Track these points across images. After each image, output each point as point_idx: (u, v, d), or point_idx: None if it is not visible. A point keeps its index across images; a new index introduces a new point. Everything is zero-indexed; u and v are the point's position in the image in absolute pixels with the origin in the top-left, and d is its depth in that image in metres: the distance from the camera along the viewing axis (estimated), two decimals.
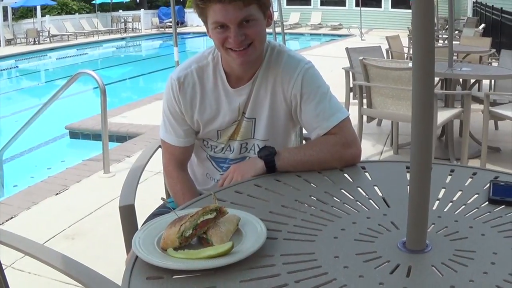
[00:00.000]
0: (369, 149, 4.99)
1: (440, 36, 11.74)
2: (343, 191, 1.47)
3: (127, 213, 1.77)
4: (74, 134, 6.60)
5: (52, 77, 15.16)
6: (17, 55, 18.95)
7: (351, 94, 5.68)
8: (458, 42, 8.29)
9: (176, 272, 1.07)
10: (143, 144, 5.24)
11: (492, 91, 5.55)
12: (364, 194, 1.45)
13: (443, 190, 1.44)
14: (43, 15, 25.47)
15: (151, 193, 2.20)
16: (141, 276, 1.07)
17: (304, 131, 1.94)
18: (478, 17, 16.84)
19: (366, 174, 1.61)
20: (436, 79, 5.32)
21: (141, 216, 1.77)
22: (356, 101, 4.78)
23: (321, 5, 28.35)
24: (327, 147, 1.63)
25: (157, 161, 1.87)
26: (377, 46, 6.35)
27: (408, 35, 10.61)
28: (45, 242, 3.18)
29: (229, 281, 1.04)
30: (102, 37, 25.11)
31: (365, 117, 4.76)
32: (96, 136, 5.67)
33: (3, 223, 3.49)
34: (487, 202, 1.36)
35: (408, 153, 1.11)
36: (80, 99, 10.46)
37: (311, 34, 25.78)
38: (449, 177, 1.55)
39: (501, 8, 12.46)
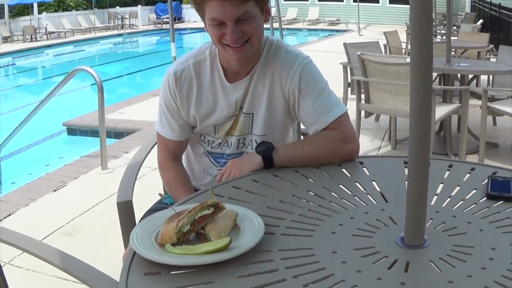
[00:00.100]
0: (367, 144, 4.99)
1: (438, 31, 11.75)
2: (341, 186, 1.47)
3: (125, 209, 1.77)
4: (72, 130, 6.59)
5: (49, 74, 15.15)
6: (14, 53, 18.90)
7: (349, 89, 5.68)
8: (456, 38, 8.30)
9: (174, 267, 1.07)
10: (141, 140, 5.24)
11: (490, 86, 5.55)
12: (362, 189, 1.45)
13: (441, 186, 1.44)
14: (40, 12, 25.42)
15: (149, 189, 2.19)
16: (139, 272, 1.07)
17: (302, 126, 1.94)
18: (476, 12, 16.84)
19: (364, 169, 1.60)
20: (434, 74, 5.33)
21: (139, 212, 1.77)
22: (354, 96, 4.78)
23: (318, 0, 28.30)
24: (325, 142, 1.63)
25: (154, 157, 1.87)
26: (375, 42, 6.35)
27: (406, 30, 10.60)
28: (44, 239, 3.18)
29: (227, 276, 1.04)
30: (99, 34, 25.08)
31: (363, 112, 4.76)
32: (94, 133, 5.66)
33: (1, 220, 3.49)
34: (485, 198, 1.36)
35: (406, 148, 1.12)
36: (77, 96, 10.45)
37: (308, 30, 25.75)
38: (447, 172, 1.55)
39: (499, 4, 12.44)
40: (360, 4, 22.37)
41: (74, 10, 27.58)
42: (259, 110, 1.71)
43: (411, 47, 1.07)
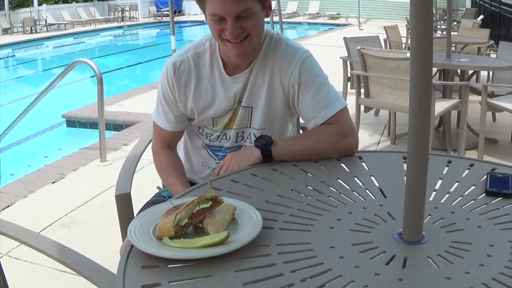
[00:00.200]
0: (366, 139, 4.99)
1: (438, 26, 11.73)
2: (339, 181, 1.47)
3: (123, 202, 1.77)
4: (71, 122, 6.59)
5: (49, 66, 15.12)
6: (14, 44, 18.84)
7: (349, 83, 5.67)
8: (456, 33, 8.29)
9: (171, 261, 1.06)
10: (140, 132, 5.23)
11: (490, 82, 5.54)
12: (361, 184, 1.45)
13: (440, 181, 1.44)
14: (40, 4, 25.30)
15: (148, 181, 2.19)
16: (137, 265, 1.07)
17: (302, 121, 1.93)
18: (477, 8, 16.79)
19: (363, 164, 1.60)
20: (434, 69, 5.32)
21: (137, 205, 1.78)
22: (354, 90, 4.78)
23: None
24: (324, 137, 1.63)
25: None
26: (375, 36, 6.34)
27: (406, 25, 10.58)
28: (42, 231, 3.18)
29: (224, 270, 1.04)
30: (99, 26, 24.98)
31: (362, 107, 4.76)
32: (93, 125, 5.66)
33: None
34: (484, 194, 1.36)
35: (405, 143, 1.11)
36: (77, 88, 10.43)
37: (309, 23, 25.68)
38: (446, 168, 1.55)
39: None
40: None
41: (74, 2, 27.47)
42: (259, 103, 1.71)
43: (411, 42, 1.06)
